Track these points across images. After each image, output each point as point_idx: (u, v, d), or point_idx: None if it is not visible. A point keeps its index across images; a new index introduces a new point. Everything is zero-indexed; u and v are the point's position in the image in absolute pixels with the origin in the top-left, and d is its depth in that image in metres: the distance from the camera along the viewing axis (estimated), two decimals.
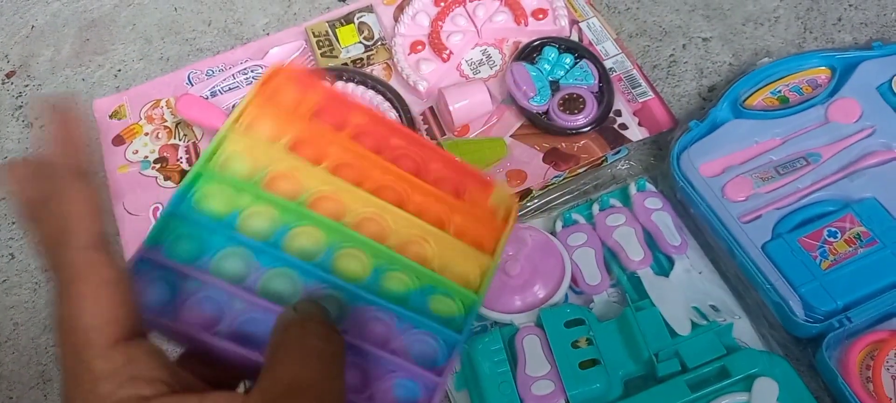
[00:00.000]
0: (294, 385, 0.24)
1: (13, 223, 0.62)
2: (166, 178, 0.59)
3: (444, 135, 0.59)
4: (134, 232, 0.57)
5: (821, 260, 0.48)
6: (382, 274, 0.30)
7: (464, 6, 0.65)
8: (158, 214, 0.30)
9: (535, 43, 0.62)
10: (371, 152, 0.32)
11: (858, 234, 0.48)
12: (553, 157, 0.57)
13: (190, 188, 0.30)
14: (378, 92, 0.62)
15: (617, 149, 0.57)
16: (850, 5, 0.63)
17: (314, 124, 0.32)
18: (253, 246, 0.29)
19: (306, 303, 0.28)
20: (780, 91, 0.56)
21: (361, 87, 0.62)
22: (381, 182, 0.32)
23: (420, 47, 0.64)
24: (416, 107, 0.61)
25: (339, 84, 0.62)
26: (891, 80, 0.54)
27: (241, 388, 0.28)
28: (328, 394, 0.25)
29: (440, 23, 0.65)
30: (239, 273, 0.29)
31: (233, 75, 0.64)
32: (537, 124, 0.58)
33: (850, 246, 0.48)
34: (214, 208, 0.30)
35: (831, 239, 0.48)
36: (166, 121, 0.62)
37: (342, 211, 0.31)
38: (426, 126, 0.60)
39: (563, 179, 0.57)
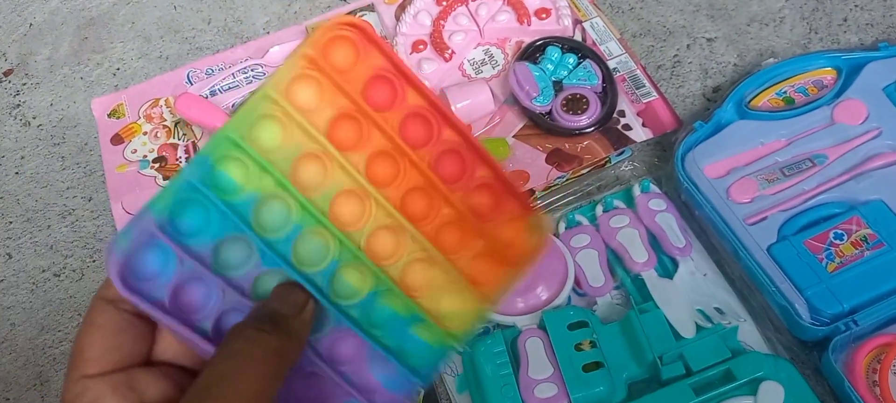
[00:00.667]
0: (200, 386, 0.24)
1: (10, 222, 0.62)
2: (165, 178, 0.59)
3: None
4: None
5: (827, 263, 0.47)
6: (377, 294, 0.30)
7: (466, 5, 0.65)
8: (174, 179, 0.28)
9: (538, 43, 0.61)
10: (415, 148, 0.29)
11: (865, 237, 0.48)
12: (556, 158, 0.57)
13: (212, 152, 0.28)
14: None
15: (621, 149, 0.56)
16: (855, 6, 0.63)
17: (361, 101, 0.29)
18: (259, 240, 0.28)
19: (281, 290, 0.27)
20: (785, 92, 0.56)
21: None
22: (415, 184, 0.30)
23: (422, 47, 0.63)
24: None
25: None
26: None
27: None
28: (231, 395, 0.23)
29: (442, 22, 0.64)
30: (237, 261, 0.28)
31: (232, 74, 0.64)
32: (540, 125, 0.58)
33: (857, 249, 0.47)
34: (233, 177, 0.28)
35: (837, 242, 0.48)
36: (165, 120, 0.62)
37: (363, 212, 0.29)
38: None
39: (567, 180, 0.57)
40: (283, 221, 0.29)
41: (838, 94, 0.54)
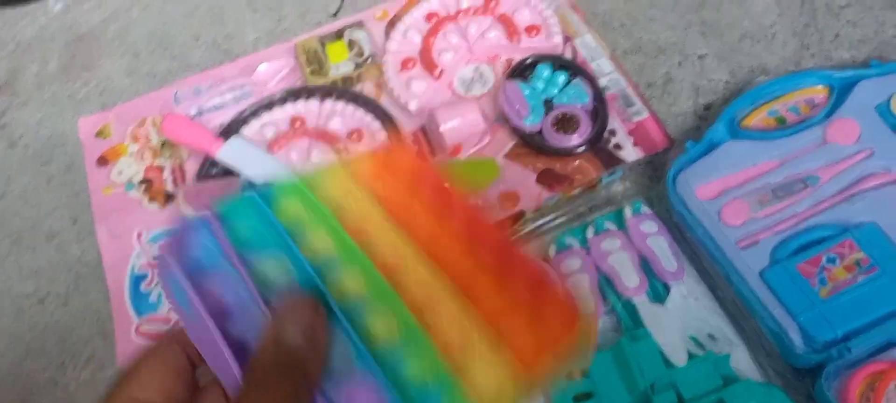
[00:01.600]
0: None
1: None
2: (151, 200, 0.58)
3: (436, 155, 0.58)
4: (116, 257, 0.56)
5: (819, 288, 0.47)
6: (407, 344, 0.27)
7: (456, 22, 0.64)
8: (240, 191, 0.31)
9: (528, 61, 0.61)
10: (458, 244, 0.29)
11: (858, 261, 0.47)
12: (547, 178, 0.56)
13: (279, 190, 0.30)
14: (368, 111, 0.60)
15: (612, 169, 0.56)
16: (848, 22, 0.62)
17: (410, 197, 0.30)
18: (299, 265, 0.28)
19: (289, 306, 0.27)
20: (777, 111, 0.55)
21: (351, 106, 0.61)
22: (457, 255, 0.28)
23: (411, 65, 0.62)
24: (407, 127, 0.60)
25: (328, 102, 0.61)
26: (889, 100, 0.53)
27: None
28: None
29: (432, 39, 0.63)
30: (274, 281, 0.28)
31: (220, 93, 0.63)
32: (531, 144, 0.57)
33: (850, 273, 0.47)
34: (289, 212, 0.30)
35: (830, 266, 0.47)
36: (152, 140, 0.61)
37: (401, 258, 0.28)
38: (417, 146, 0.59)
39: (558, 201, 0.56)
40: (325, 248, 0.29)
41: (830, 113, 0.54)
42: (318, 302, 0.27)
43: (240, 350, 0.27)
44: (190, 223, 0.29)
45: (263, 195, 0.30)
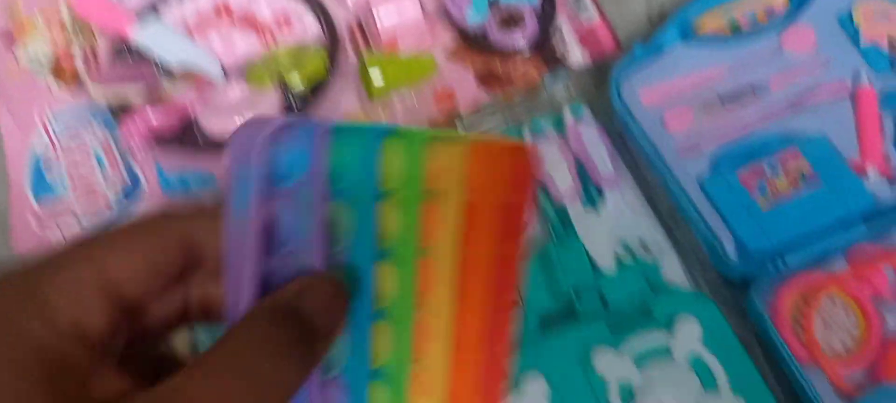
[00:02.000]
0: (174, 387, 0.18)
1: None
2: (60, 83, 0.53)
3: (371, 49, 0.54)
4: (18, 143, 0.51)
5: (760, 199, 0.44)
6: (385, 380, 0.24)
7: None
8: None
9: None
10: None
11: (802, 172, 0.45)
12: (487, 79, 0.53)
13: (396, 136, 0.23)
14: (300, 0, 0.56)
15: (556, 72, 0.52)
16: None
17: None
18: (364, 236, 0.23)
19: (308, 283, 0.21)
20: (733, 17, 0.52)
21: None
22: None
23: None
24: (342, 18, 0.55)
25: None
26: (851, 9, 0.50)
27: None
28: None
29: None
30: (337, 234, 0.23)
31: None
32: (472, 42, 0.54)
33: (792, 185, 0.44)
34: (391, 166, 0.23)
35: (773, 177, 0.45)
36: (63, 19, 0.56)
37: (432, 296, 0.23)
38: (352, 40, 0.55)
39: (496, 102, 0.53)
40: (390, 233, 0.23)
41: (788, 21, 0.51)
42: (348, 299, 0.22)
43: (264, 283, 0.22)
44: (296, 126, 0.23)
45: (384, 133, 0.23)
